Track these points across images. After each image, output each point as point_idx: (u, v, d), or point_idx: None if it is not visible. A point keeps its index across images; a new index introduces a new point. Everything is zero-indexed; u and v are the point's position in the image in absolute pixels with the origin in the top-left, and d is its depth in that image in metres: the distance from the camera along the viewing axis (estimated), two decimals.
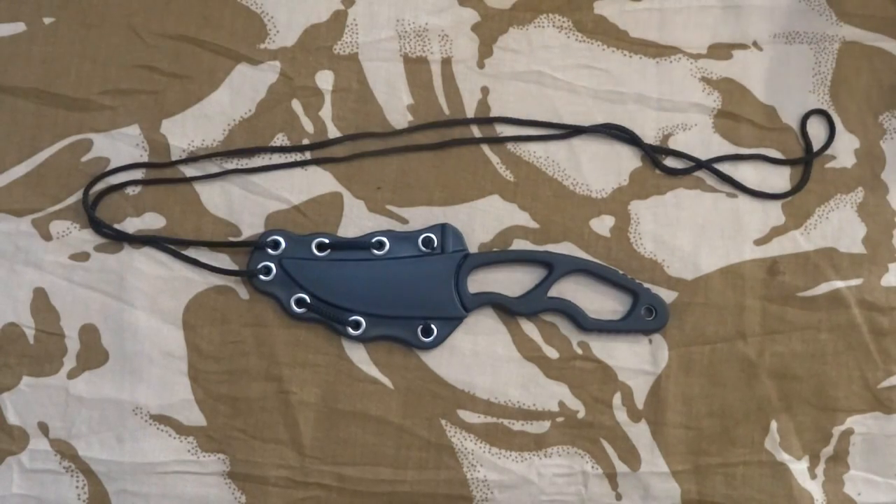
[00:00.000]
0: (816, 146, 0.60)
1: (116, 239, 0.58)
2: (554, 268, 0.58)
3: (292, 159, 0.59)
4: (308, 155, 0.59)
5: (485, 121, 0.60)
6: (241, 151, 0.59)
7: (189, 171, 0.59)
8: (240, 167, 0.59)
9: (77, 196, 0.58)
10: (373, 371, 0.58)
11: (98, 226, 0.58)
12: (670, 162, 0.60)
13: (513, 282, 0.59)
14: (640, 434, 0.58)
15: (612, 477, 0.57)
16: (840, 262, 0.59)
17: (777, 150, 0.60)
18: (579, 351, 0.58)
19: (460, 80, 0.60)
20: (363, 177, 0.59)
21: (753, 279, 0.59)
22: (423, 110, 0.60)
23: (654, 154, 0.59)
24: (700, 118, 0.60)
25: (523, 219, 0.59)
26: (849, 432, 0.58)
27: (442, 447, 0.57)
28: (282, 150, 0.59)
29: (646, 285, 0.58)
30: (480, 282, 0.58)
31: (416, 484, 0.57)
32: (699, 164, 0.59)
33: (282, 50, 0.60)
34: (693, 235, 0.59)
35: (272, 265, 0.58)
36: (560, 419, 0.58)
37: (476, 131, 0.60)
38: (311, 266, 0.58)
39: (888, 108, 0.61)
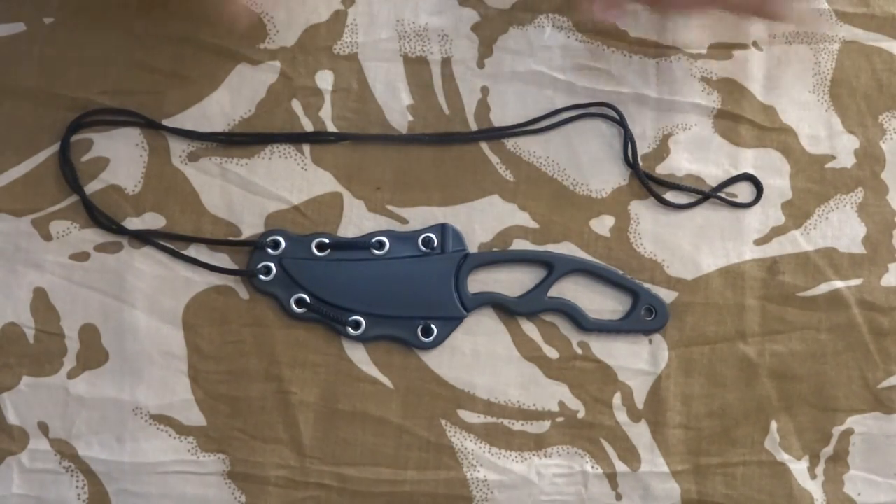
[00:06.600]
0: (818, 146, 0.60)
1: (115, 232, 0.58)
2: (554, 268, 0.58)
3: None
4: (308, 155, 0.59)
5: (485, 134, 0.60)
6: (242, 137, 0.59)
7: (189, 170, 0.59)
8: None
9: (76, 197, 0.58)
10: (373, 371, 0.58)
11: (94, 214, 0.57)
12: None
13: (513, 282, 0.59)
14: (640, 434, 0.58)
15: (612, 477, 0.57)
16: (840, 262, 0.59)
17: (777, 149, 0.60)
18: (579, 351, 0.58)
19: (460, 80, 0.60)
20: (363, 177, 0.59)
21: (753, 279, 0.59)
22: (423, 110, 0.60)
23: (650, 186, 0.59)
24: (700, 118, 0.60)
25: (523, 219, 0.59)
26: (849, 432, 0.58)
27: (442, 447, 0.57)
28: (283, 138, 0.59)
29: (646, 285, 0.58)
30: (480, 282, 0.58)
31: (416, 484, 0.57)
32: (705, 196, 0.59)
33: (282, 50, 0.60)
34: (693, 235, 0.59)
35: (272, 265, 0.58)
36: (560, 419, 0.58)
37: (474, 125, 0.60)
38: (311, 266, 0.58)
39: (888, 108, 0.61)
